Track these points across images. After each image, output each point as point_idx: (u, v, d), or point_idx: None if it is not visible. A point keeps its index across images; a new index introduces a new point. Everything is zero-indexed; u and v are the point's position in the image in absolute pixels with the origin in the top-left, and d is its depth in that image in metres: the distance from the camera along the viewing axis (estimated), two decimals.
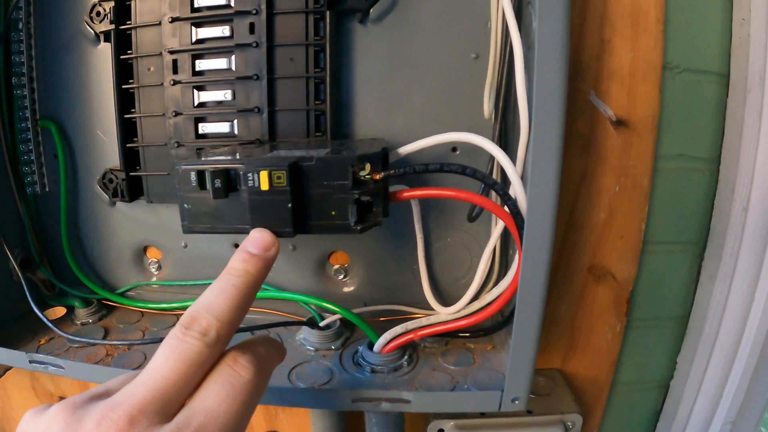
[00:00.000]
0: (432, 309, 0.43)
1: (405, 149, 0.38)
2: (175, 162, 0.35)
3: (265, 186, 0.33)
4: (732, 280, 0.47)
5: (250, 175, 0.34)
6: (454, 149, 0.42)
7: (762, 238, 0.45)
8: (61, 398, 0.58)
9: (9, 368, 0.52)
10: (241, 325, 0.42)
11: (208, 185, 0.34)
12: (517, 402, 0.37)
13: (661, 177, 0.46)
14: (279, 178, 0.33)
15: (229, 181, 0.34)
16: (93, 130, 0.47)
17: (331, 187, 0.34)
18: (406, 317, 0.44)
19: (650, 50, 0.44)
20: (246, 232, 0.35)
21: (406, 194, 0.37)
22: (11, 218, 0.48)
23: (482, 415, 0.44)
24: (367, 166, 0.35)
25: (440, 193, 0.37)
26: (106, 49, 0.45)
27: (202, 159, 0.36)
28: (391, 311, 0.44)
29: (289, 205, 0.34)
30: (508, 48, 0.39)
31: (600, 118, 0.44)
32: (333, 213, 0.34)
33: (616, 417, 0.53)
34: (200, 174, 0.35)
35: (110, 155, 0.46)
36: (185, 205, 0.36)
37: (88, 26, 0.45)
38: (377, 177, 0.35)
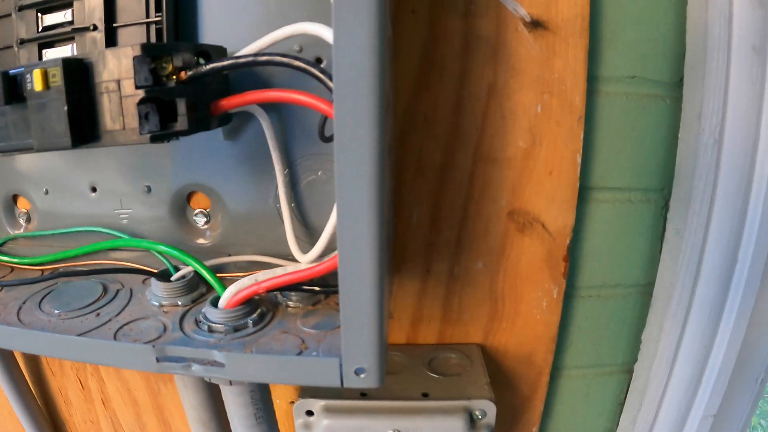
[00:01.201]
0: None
1: (244, 51, 0.31)
2: None
3: (39, 86, 0.28)
4: (706, 234, 0.35)
5: (28, 76, 0.28)
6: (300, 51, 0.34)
7: (742, 176, 0.34)
8: None
9: None
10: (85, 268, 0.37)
11: None
12: (363, 376, 0.28)
13: (605, 104, 0.36)
14: (54, 75, 0.28)
15: (14, 86, 0.29)
16: None
17: (118, 86, 0.28)
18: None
19: None
20: (32, 147, 0.29)
21: (225, 103, 0.30)
22: None
23: (362, 395, 0.35)
24: (169, 64, 0.28)
25: (268, 96, 0.30)
26: None
27: None
28: (259, 263, 0.37)
29: (65, 108, 0.27)
30: None
31: (509, 17, 0.34)
32: (121, 118, 0.28)
33: (568, 408, 0.42)
34: None
35: None
36: None
37: None
38: (183, 77, 0.28)
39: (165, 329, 0.33)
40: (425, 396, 0.35)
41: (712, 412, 0.36)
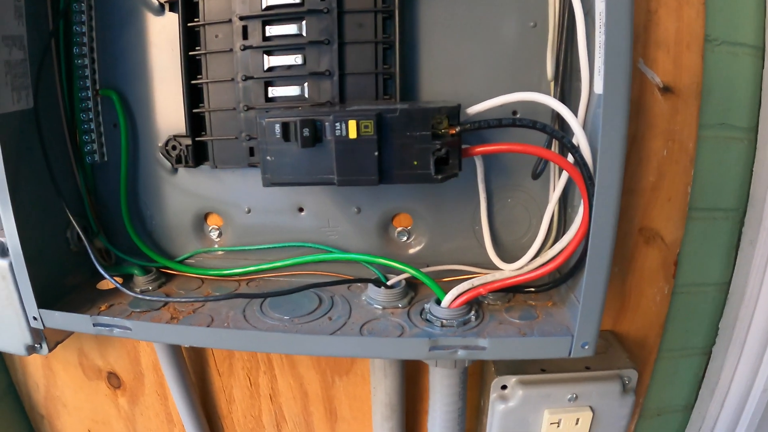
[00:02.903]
0: (492, 268, 0.45)
1: (473, 109, 0.39)
2: (258, 117, 0.36)
3: (353, 134, 0.35)
4: None
5: (338, 124, 0.35)
6: (514, 112, 0.44)
7: None
8: (110, 374, 0.57)
9: (60, 341, 0.52)
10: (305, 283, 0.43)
11: (297, 135, 0.35)
12: (586, 347, 0.38)
13: (703, 145, 0.49)
14: (366, 127, 0.35)
15: (315, 131, 0.35)
16: (154, 99, 0.47)
17: (413, 137, 0.35)
18: (467, 277, 0.45)
19: (693, 21, 0.46)
20: (332, 182, 0.36)
21: (478, 149, 0.39)
22: (68, 187, 0.48)
23: (542, 370, 0.45)
24: (445, 120, 0.36)
25: (511, 147, 0.38)
26: (169, 19, 0.46)
27: (279, 113, 0.37)
28: (453, 271, 0.45)
29: (376, 154, 0.35)
30: (566, 15, 0.41)
31: (648, 84, 0.46)
32: (415, 163, 0.36)
33: (660, 383, 0.54)
34: (285, 126, 0.36)
35: (171, 123, 0.47)
36: (267, 158, 0.37)
37: None
38: (453, 131, 0.36)
39: (402, 327, 0.41)
40: (588, 368, 0.45)
41: None
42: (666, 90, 0.47)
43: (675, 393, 0.55)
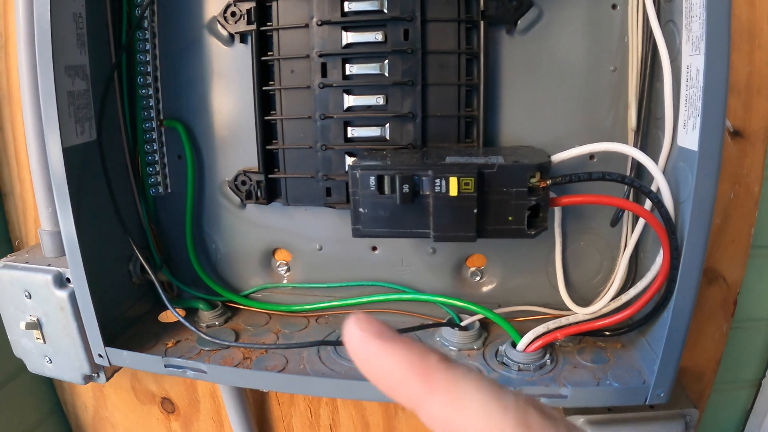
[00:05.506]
0: (562, 309, 0.45)
1: (558, 157, 0.39)
2: (350, 167, 0.36)
3: (454, 192, 0.34)
4: None
5: (438, 181, 0.35)
6: (591, 157, 0.44)
7: None
8: (164, 399, 0.57)
9: (117, 370, 0.52)
10: None
11: (395, 190, 0.35)
12: (662, 395, 0.39)
13: (766, 184, 0.49)
14: (467, 184, 0.35)
15: (413, 187, 0.35)
16: (220, 131, 0.47)
17: (509, 193, 0.35)
18: (539, 318, 0.45)
19: (764, 65, 0.46)
20: (427, 236, 0.36)
21: (565, 200, 0.39)
22: (131, 219, 0.47)
23: (609, 410, 0.46)
24: (537, 174, 0.36)
25: (597, 199, 0.38)
26: (238, 50, 0.45)
27: (372, 163, 0.36)
28: (525, 312, 0.46)
29: (475, 211, 0.35)
30: (649, 61, 0.41)
31: None
32: (510, 218, 0.36)
33: (710, 415, 0.56)
34: (380, 178, 0.35)
35: (238, 156, 0.46)
36: (360, 209, 0.36)
37: (221, 26, 0.45)
38: (543, 185, 0.36)
39: (480, 371, 0.41)
40: (652, 407, 0.46)
41: None
42: (736, 134, 0.47)
43: (724, 424, 0.57)
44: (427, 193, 0.35)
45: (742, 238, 0.49)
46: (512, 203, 0.35)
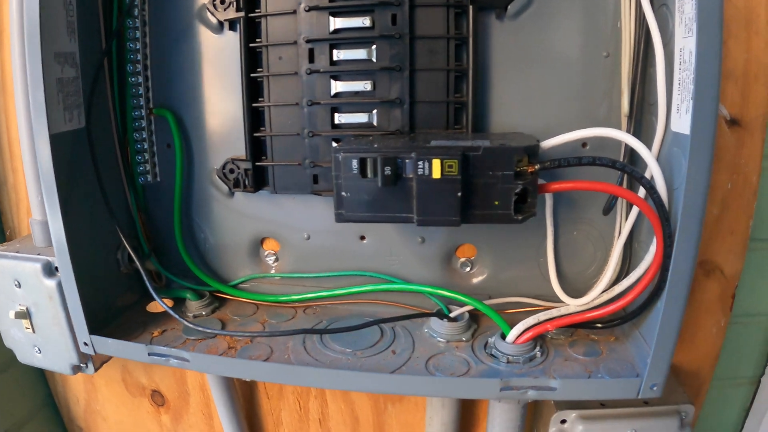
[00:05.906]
0: (554, 301, 0.44)
1: (548, 143, 0.39)
2: (333, 149, 0.35)
3: (437, 174, 0.34)
4: None
5: (420, 163, 0.34)
6: (584, 144, 0.43)
7: None
8: (154, 392, 0.57)
9: (106, 361, 0.51)
10: (368, 319, 0.42)
11: (378, 173, 0.34)
12: (655, 388, 0.38)
13: (766, 176, 0.48)
14: (450, 166, 0.34)
15: (396, 169, 0.34)
16: (210, 119, 0.46)
17: (495, 177, 0.34)
18: (530, 309, 0.44)
19: (761, 52, 0.45)
20: (411, 220, 0.35)
21: (555, 186, 0.38)
22: (120, 208, 0.47)
23: (602, 405, 0.45)
24: (525, 158, 0.35)
25: (588, 185, 0.38)
26: (227, 38, 0.45)
27: (356, 146, 0.36)
28: (516, 303, 0.45)
29: (459, 194, 0.34)
30: (642, 46, 0.40)
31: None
32: (496, 203, 0.35)
33: (709, 412, 0.54)
34: (362, 161, 0.35)
35: (227, 144, 0.46)
36: (343, 193, 0.36)
37: (210, 14, 0.44)
38: (532, 169, 0.35)
39: (468, 363, 0.40)
40: (646, 403, 0.45)
41: None
42: (733, 122, 0.46)
43: (722, 422, 0.55)
44: (410, 175, 0.34)
45: (741, 229, 0.47)
46: (498, 187, 0.34)
